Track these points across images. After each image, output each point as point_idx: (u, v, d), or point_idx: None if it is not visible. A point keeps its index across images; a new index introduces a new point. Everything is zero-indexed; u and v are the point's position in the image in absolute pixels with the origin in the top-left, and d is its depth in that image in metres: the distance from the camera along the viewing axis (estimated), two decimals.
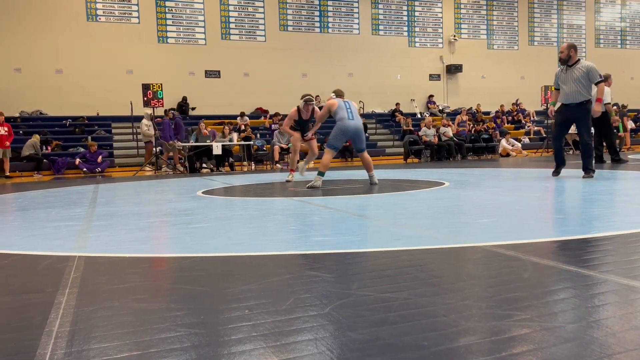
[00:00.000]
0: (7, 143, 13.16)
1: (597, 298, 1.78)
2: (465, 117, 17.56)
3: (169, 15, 17.95)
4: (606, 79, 9.56)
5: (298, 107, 7.84)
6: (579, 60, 6.88)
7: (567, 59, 6.87)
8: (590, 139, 6.82)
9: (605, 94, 9.14)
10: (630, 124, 19.96)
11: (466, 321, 1.57)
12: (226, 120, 16.74)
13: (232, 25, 18.71)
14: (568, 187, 5.78)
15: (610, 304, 1.72)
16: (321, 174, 6.44)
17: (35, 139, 14.14)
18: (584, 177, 6.69)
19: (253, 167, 14.13)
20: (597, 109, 6.77)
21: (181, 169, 13.41)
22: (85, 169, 13.37)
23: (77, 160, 13.47)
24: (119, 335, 1.57)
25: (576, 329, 1.48)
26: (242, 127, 16.41)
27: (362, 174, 7.66)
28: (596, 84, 6.72)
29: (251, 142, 14.61)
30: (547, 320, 1.56)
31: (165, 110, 14.49)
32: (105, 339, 1.54)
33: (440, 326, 1.54)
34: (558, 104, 7.10)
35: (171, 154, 13.78)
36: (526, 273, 2.11)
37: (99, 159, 13.50)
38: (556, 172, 7.09)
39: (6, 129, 13.25)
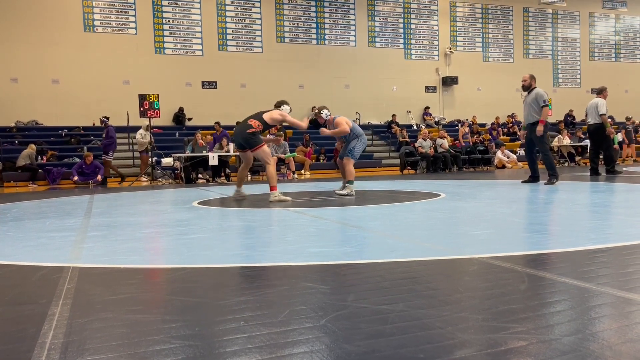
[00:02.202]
0: None
1: (593, 310, 1.78)
2: (467, 129, 17.58)
3: (166, 26, 18.02)
4: (601, 92, 9.70)
5: None
6: (535, 87, 7.80)
7: (529, 86, 7.80)
8: (547, 151, 7.77)
9: (600, 106, 9.35)
10: None
11: (462, 333, 1.57)
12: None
13: (229, 37, 18.79)
14: (563, 199, 5.80)
15: (606, 317, 1.72)
16: (351, 182, 6.79)
17: (31, 149, 14.07)
18: (545, 183, 7.51)
19: (249, 178, 14.12)
20: (538, 129, 7.56)
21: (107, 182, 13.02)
22: (77, 178, 12.98)
23: (75, 177, 13.05)
24: (112, 347, 1.55)
25: (572, 342, 1.48)
26: None
27: (357, 185, 7.66)
28: (542, 107, 7.60)
29: None
30: (543, 332, 1.56)
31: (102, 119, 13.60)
32: (98, 350, 1.52)
33: (436, 338, 1.53)
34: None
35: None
36: (522, 285, 2.11)
37: (98, 177, 13.12)
38: (530, 180, 7.92)
39: None
